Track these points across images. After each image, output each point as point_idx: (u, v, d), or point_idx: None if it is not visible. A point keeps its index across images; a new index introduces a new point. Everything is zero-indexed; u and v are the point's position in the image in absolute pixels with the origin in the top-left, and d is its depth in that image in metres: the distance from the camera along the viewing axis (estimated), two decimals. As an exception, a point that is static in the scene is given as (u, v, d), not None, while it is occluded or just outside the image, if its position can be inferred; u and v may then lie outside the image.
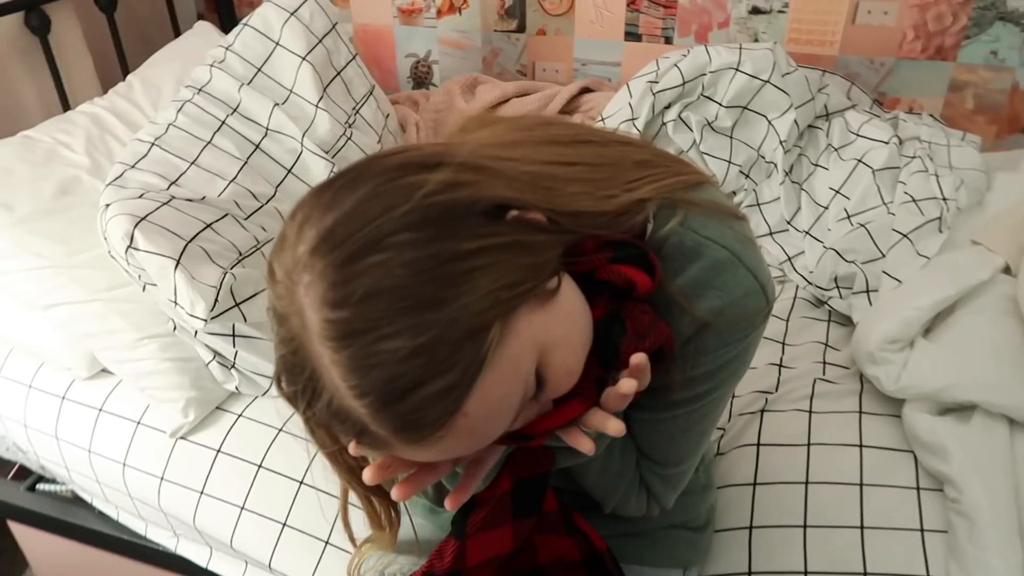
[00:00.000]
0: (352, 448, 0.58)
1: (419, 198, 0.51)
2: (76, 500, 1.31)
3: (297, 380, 0.53)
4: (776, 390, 1.11)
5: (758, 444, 1.03)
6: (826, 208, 1.31)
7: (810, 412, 1.06)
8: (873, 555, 0.90)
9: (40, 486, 1.36)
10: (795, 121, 1.33)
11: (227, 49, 1.35)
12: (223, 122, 1.27)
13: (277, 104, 1.31)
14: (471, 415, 0.51)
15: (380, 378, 0.48)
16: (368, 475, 0.57)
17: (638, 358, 0.59)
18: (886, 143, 1.30)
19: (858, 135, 1.34)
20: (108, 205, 1.06)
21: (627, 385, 0.58)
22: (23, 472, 1.40)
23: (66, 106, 1.51)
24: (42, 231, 1.12)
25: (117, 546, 1.25)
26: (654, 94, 1.35)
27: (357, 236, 0.49)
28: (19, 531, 1.45)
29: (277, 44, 1.36)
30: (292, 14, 1.37)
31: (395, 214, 0.50)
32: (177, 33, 1.74)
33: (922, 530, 0.91)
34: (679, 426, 0.74)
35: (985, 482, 0.87)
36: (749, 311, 0.65)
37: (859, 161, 1.30)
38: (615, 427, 0.59)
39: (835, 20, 1.60)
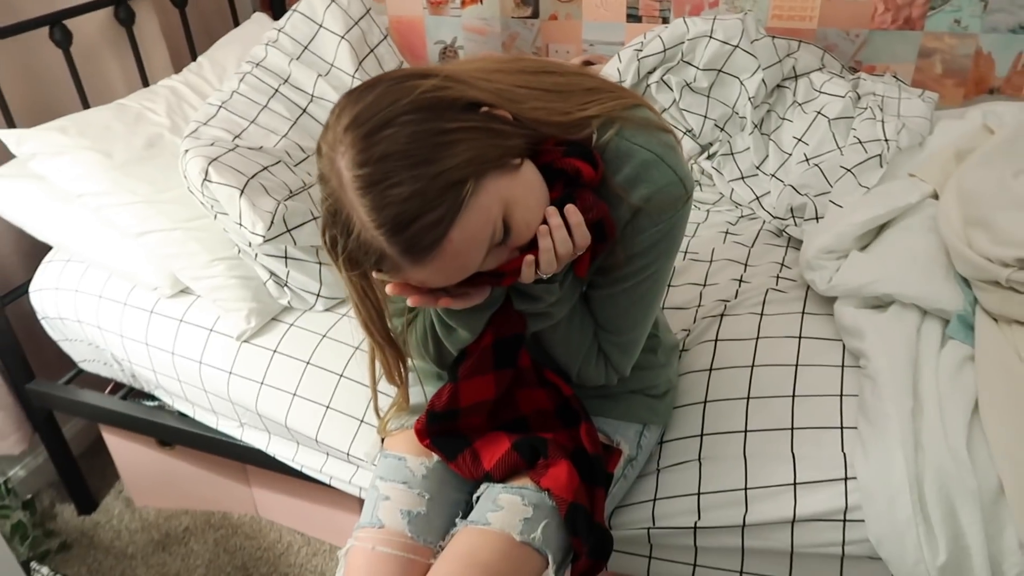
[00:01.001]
0: (374, 275, 0.82)
1: (416, 93, 0.74)
2: (159, 408, 1.57)
3: (336, 224, 0.77)
4: (735, 299, 1.31)
5: (716, 340, 1.24)
6: (790, 155, 1.51)
7: (761, 315, 1.26)
8: (801, 416, 1.10)
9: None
10: (763, 81, 1.54)
11: (279, 31, 1.61)
12: (276, 90, 1.53)
13: (320, 75, 1.56)
14: (454, 242, 0.74)
15: (390, 213, 0.72)
16: (390, 288, 0.81)
17: (571, 208, 0.81)
18: (842, 97, 1.50)
19: (820, 92, 1.54)
20: (187, 151, 1.32)
21: (571, 215, 0.81)
22: (116, 388, 1.68)
23: (146, 84, 1.79)
24: (135, 174, 1.39)
25: (193, 440, 1.51)
26: (639, 60, 1.57)
27: (375, 118, 0.73)
28: (111, 441, 1.72)
29: (320, 26, 1.62)
30: (333, 1, 1.63)
31: (400, 104, 0.74)
32: (236, 23, 2.02)
33: (841, 395, 1.11)
34: (629, 298, 0.96)
35: (889, 351, 1.07)
36: (671, 197, 0.87)
37: (818, 113, 1.50)
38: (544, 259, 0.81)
39: (812, -3, 1.79)
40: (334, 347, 1.34)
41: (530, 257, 0.82)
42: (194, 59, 1.79)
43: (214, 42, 1.81)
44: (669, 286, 1.37)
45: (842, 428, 1.07)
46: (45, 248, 1.63)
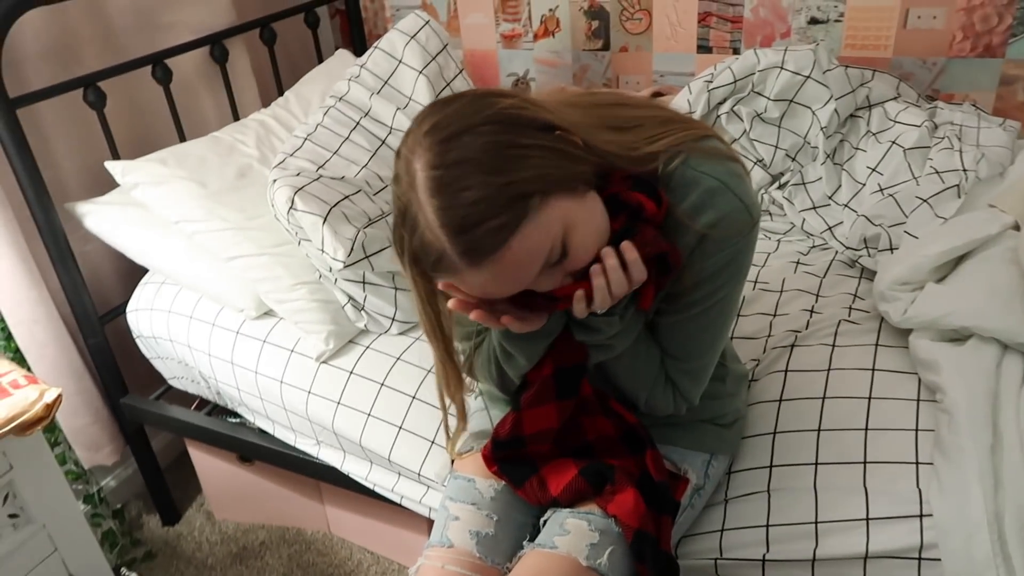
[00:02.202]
0: (439, 286, 0.85)
1: (496, 108, 0.79)
2: (241, 425, 1.65)
3: (404, 223, 0.81)
4: (806, 329, 1.30)
5: (786, 370, 1.23)
6: (863, 185, 1.49)
7: (833, 346, 1.25)
8: (874, 450, 1.08)
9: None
10: (835, 110, 1.53)
11: (361, 67, 1.69)
12: (357, 123, 1.61)
13: (399, 108, 1.63)
14: (513, 251, 0.77)
15: (457, 215, 0.76)
16: (452, 304, 0.86)
17: (627, 245, 0.84)
18: (918, 126, 1.48)
19: (895, 121, 1.52)
20: (275, 180, 1.40)
21: (627, 251, 0.84)
22: (202, 405, 1.77)
23: (236, 118, 1.90)
24: (227, 202, 1.48)
25: (272, 456, 1.57)
26: (709, 91, 1.59)
27: (453, 125, 0.78)
28: (196, 455, 1.81)
29: (400, 62, 1.69)
30: (412, 37, 1.70)
31: (479, 115, 0.78)
32: (320, 60, 2.13)
33: (916, 430, 1.08)
34: (697, 325, 0.97)
35: (966, 385, 1.05)
36: (737, 224, 0.89)
37: (893, 143, 1.48)
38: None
39: (887, 26, 1.78)
40: (407, 370, 1.39)
41: (580, 292, 0.84)
42: (281, 94, 1.89)
43: (299, 77, 1.91)
44: (738, 316, 1.37)
45: (917, 464, 1.05)
46: (142, 271, 1.74)
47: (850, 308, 1.33)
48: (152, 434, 1.91)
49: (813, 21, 1.84)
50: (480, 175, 0.75)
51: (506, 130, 0.77)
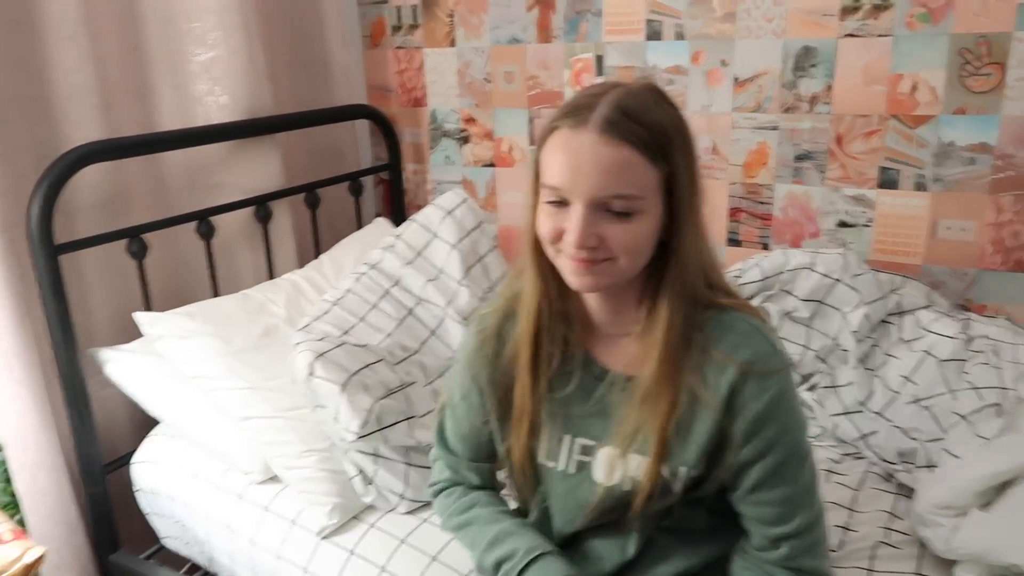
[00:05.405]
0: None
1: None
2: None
3: (564, 108, 0.88)
4: (840, 549, 1.21)
5: (819, 594, 1.13)
6: (897, 393, 1.45)
7: (870, 571, 1.16)
8: None
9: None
10: (866, 315, 1.52)
11: (397, 237, 1.74)
12: (387, 291, 1.63)
13: (429, 280, 1.66)
14: (625, 156, 0.84)
15: (626, 103, 0.85)
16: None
17: None
18: (953, 338, 1.45)
19: (928, 331, 1.50)
20: (298, 343, 1.40)
21: None
22: (193, 569, 1.67)
23: (270, 275, 1.94)
24: (248, 360, 1.47)
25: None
26: (738, 286, 1.59)
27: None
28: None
29: (435, 235, 1.74)
30: (449, 213, 1.76)
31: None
32: (360, 225, 2.20)
33: None
34: (779, 477, 0.91)
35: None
36: (771, 363, 0.90)
37: (927, 353, 1.45)
38: None
39: (916, 235, 1.79)
40: (412, 555, 1.30)
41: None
42: (317, 255, 1.94)
43: (338, 239, 1.97)
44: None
45: None
46: (154, 422, 1.71)
47: (887, 528, 1.24)
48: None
49: (842, 224, 1.87)
50: (661, 111, 0.87)
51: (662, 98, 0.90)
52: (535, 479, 1.04)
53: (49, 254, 1.46)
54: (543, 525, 1.06)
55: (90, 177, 1.63)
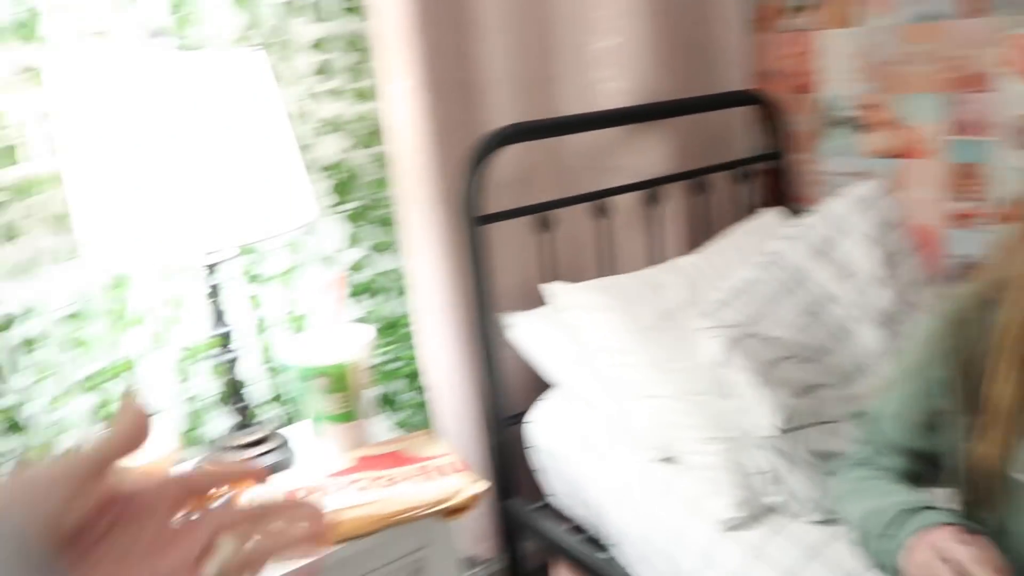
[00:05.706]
0: None
1: None
2: (611, 561, 1.58)
3: None
4: None
5: None
6: None
7: None
8: None
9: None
10: None
11: (802, 228, 1.64)
12: (793, 284, 1.54)
13: (843, 277, 1.54)
14: None
15: None
16: None
17: None
18: None
19: None
20: (708, 328, 1.38)
21: None
22: (578, 530, 1.74)
23: (657, 259, 1.95)
24: (654, 339, 1.50)
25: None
26: None
27: None
28: (558, 573, 1.79)
29: (849, 229, 1.60)
30: (866, 205, 1.62)
31: None
32: (745, 214, 2.11)
33: None
34: None
35: None
36: None
37: None
38: None
39: None
40: (823, 570, 1.21)
41: None
42: (702, 242, 1.91)
43: (722, 228, 1.92)
44: None
45: None
46: (541, 386, 1.82)
47: None
48: (526, 537, 1.93)
49: None
50: None
51: None
52: (1002, 492, 0.90)
53: (476, 225, 1.62)
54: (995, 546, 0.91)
55: (501, 157, 1.78)
